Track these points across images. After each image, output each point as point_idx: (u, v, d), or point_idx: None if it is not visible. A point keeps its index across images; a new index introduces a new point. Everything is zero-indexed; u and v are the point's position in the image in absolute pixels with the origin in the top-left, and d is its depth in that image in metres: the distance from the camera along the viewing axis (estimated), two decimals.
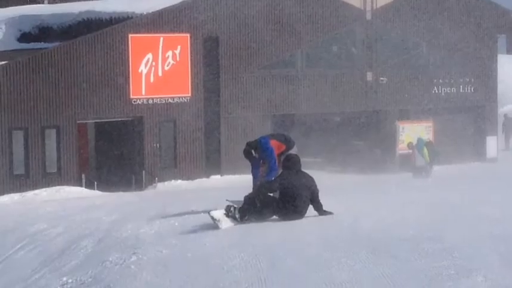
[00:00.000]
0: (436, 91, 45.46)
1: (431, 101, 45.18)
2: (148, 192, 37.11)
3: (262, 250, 12.06)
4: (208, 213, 15.38)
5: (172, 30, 39.84)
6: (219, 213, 15.21)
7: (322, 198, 15.63)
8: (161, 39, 39.51)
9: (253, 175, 17.45)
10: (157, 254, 13.48)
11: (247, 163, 17.83)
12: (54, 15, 42.66)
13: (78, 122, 38.54)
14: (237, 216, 15.05)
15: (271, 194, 15.51)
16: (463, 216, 14.58)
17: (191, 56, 40.17)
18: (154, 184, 38.85)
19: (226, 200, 16.01)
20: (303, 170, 15.79)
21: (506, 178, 28.75)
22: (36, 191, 36.23)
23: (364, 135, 43.79)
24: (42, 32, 42.88)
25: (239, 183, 28.71)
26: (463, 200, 17.80)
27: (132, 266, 12.71)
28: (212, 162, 40.52)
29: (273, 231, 14.30)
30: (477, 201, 17.47)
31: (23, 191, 36.18)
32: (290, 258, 11.27)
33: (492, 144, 46.58)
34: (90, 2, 44.00)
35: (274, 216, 15.36)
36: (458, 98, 45.95)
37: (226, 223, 15.05)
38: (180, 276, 11.19)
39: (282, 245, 12.58)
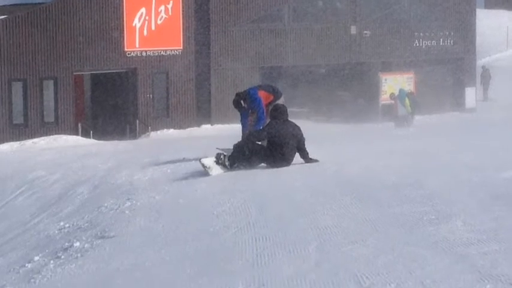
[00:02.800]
0: (417, 44, 45.36)
1: (412, 54, 45.10)
2: (141, 141, 37.07)
3: (250, 196, 12.02)
4: (199, 160, 15.34)
5: None
6: (209, 161, 15.17)
7: (308, 147, 15.58)
8: None
9: (242, 124, 17.36)
10: (151, 199, 13.44)
11: (237, 113, 17.75)
12: None
13: (74, 73, 38.49)
14: (227, 163, 15.02)
15: (260, 143, 15.46)
16: (443, 164, 14.54)
17: (183, 11, 39.98)
18: (147, 133, 38.84)
19: (217, 148, 15.95)
20: (290, 119, 15.72)
21: (484, 127, 28.74)
22: (35, 140, 36.23)
23: (348, 86, 43.73)
24: None
25: (229, 132, 28.65)
26: (443, 148, 17.75)
27: (127, 211, 12.66)
28: (203, 112, 40.51)
29: (261, 178, 14.26)
30: (456, 149, 17.44)
31: (22, 139, 36.21)
32: (277, 204, 11.23)
33: (471, 95, 46.59)
34: None
35: (263, 164, 15.32)
36: (438, 51, 45.86)
37: (216, 170, 15.02)
38: (172, 221, 11.14)
39: (269, 191, 12.54)
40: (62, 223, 13.84)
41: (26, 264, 10.85)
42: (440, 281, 6.16)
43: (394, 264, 6.86)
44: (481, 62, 55.64)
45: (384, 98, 42.54)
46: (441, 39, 45.84)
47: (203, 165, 15.05)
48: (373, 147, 19.20)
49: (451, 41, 46.10)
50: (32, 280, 9.52)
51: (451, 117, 42.73)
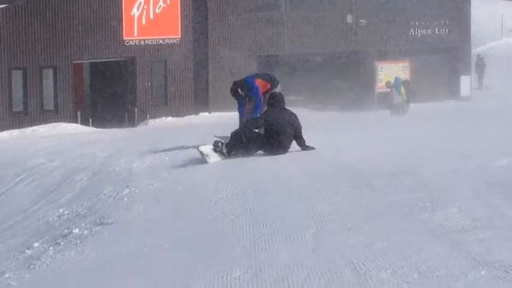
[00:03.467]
0: (413, 33, 45.32)
1: (407, 42, 45.05)
2: (140, 129, 37.08)
3: (248, 183, 12.01)
4: (197, 148, 15.32)
5: None
6: (207, 148, 15.16)
7: (305, 134, 15.58)
8: None
9: (239, 112, 17.35)
10: (149, 187, 13.44)
11: (234, 101, 17.73)
12: None
13: (74, 62, 38.49)
14: (224, 151, 15.01)
15: (257, 130, 15.47)
16: (438, 151, 14.55)
17: (181, 0, 39.94)
18: (146, 121, 38.85)
19: (214, 136, 15.96)
20: (287, 107, 15.73)
21: (479, 115, 28.78)
22: (34, 127, 36.25)
23: (344, 75, 43.63)
24: None
25: (226, 119, 28.65)
26: (438, 136, 17.76)
27: (125, 199, 12.65)
28: (200, 100, 40.53)
29: (258, 165, 14.27)
30: (451, 137, 17.46)
31: (22, 127, 36.26)
32: (274, 191, 11.25)
33: (465, 83, 46.57)
34: None
35: (260, 151, 15.32)
36: (433, 40, 45.81)
37: (214, 158, 15.01)
38: (170, 208, 11.16)
39: (266, 179, 12.55)
40: (61, 210, 13.83)
41: (26, 251, 10.84)
42: (435, 267, 6.15)
43: (389, 251, 6.85)
44: (476, 50, 55.58)
45: (380, 86, 42.53)
46: (436, 28, 45.82)
47: (201, 152, 15.05)
48: (369, 135, 19.20)
49: (446, 30, 46.07)
50: (32, 266, 9.50)
51: (446, 105, 42.72)
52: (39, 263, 9.51)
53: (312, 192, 10.68)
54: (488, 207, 8.53)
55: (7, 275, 9.56)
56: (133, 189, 13.41)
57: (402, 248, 6.93)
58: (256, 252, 7.55)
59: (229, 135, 15.40)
